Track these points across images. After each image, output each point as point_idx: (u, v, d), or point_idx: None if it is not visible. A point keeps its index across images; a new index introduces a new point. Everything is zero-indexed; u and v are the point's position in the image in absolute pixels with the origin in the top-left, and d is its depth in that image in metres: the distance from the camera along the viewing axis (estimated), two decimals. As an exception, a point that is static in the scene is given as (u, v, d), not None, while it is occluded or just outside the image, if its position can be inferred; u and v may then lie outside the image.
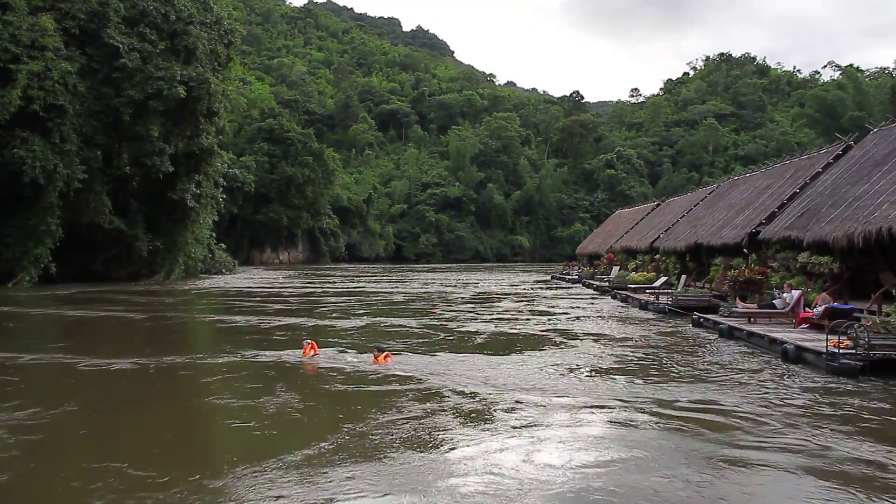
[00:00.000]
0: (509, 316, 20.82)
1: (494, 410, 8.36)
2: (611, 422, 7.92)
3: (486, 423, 7.79)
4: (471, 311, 22.27)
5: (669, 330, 16.99)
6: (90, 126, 36.80)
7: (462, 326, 17.63)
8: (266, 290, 35.48)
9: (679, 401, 8.87)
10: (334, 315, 21.37)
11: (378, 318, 20.16)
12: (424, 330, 16.98)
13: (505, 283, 42.61)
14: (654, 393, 9.37)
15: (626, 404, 8.65)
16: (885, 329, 11.06)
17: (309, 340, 12.68)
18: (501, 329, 17.16)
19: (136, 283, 39.44)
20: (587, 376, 10.57)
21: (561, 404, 8.67)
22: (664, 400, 8.92)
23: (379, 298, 29.15)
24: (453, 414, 8.21)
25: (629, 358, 12.53)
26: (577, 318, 20.39)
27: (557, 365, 11.50)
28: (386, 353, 11.84)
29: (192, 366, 12.31)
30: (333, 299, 28.38)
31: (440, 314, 21.14)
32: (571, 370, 11.05)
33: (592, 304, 26.10)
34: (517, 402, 8.80)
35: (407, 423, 7.78)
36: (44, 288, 33.72)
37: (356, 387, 10.05)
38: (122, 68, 37.08)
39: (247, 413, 8.55)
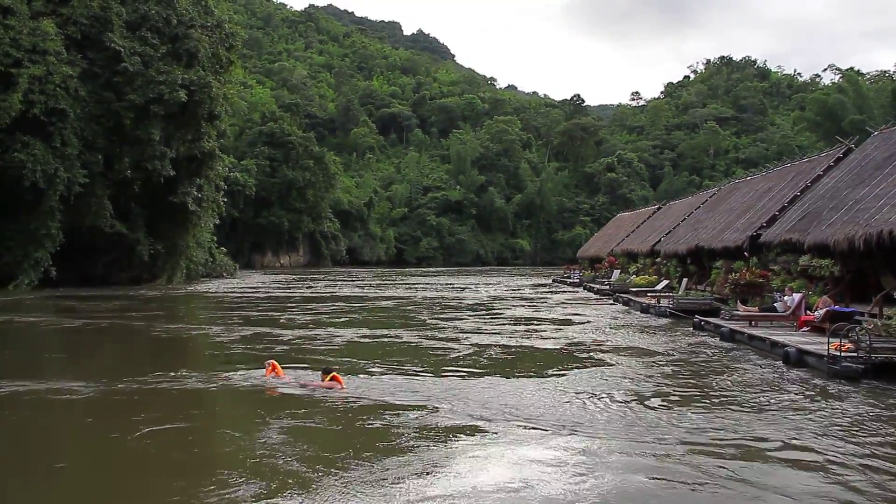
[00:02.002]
0: (517, 326, 19.61)
1: (529, 460, 6.63)
2: (696, 468, 6.36)
3: (517, 476, 6.14)
4: (476, 320, 20.99)
5: (694, 341, 15.75)
6: (91, 130, 36.86)
7: (469, 339, 16.16)
8: (261, 294, 35.35)
9: (765, 440, 7.36)
10: (325, 325, 19.79)
11: (374, 330, 18.50)
12: (427, 343, 15.57)
13: (507, 288, 42.55)
14: (711, 429, 7.76)
15: (687, 446, 7.03)
16: (887, 332, 11.04)
17: (270, 361, 10.96)
18: (511, 342, 15.73)
19: (136, 287, 39.42)
20: (623, 405, 8.99)
21: (610, 447, 7.04)
22: (732, 441, 7.27)
23: (377, 305, 28.28)
24: (471, 466, 6.51)
25: (655, 378, 11.17)
26: (587, 326, 19.38)
27: (584, 389, 9.97)
28: (333, 373, 10.12)
29: (129, 391, 10.05)
30: (329, 306, 27.45)
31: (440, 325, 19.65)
32: (601, 397, 9.45)
33: (597, 309, 25.75)
34: (554, 444, 7.17)
35: (415, 477, 6.12)
36: (43, 292, 33.77)
37: (346, 419, 8.43)
38: (124, 72, 37.16)
39: (187, 463, 6.88)
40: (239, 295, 35.06)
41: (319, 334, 17.42)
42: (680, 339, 16.34)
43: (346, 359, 13.21)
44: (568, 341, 16.06)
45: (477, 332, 17.68)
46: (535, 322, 20.71)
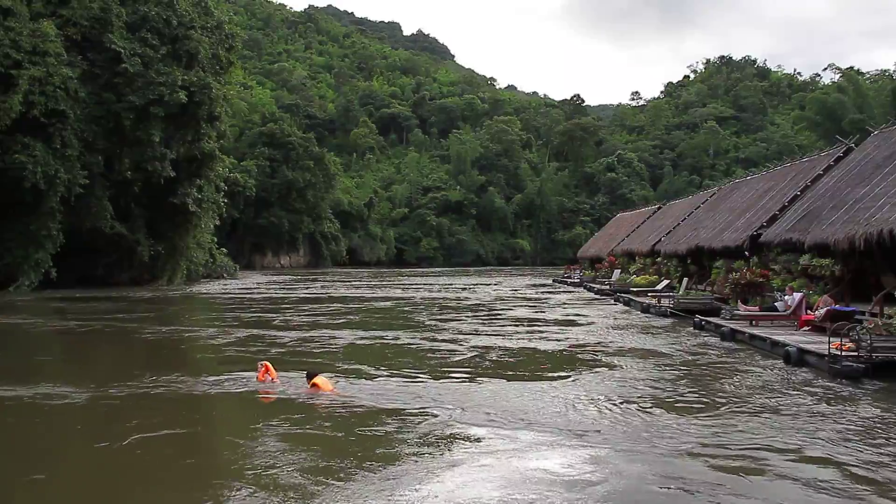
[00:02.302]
0: (518, 327, 19.17)
1: (536, 469, 6.32)
2: (712, 478, 6.06)
3: (525, 486, 5.86)
4: (477, 322, 20.55)
5: (698, 342, 15.52)
6: (91, 131, 36.87)
7: (470, 340, 15.74)
8: (259, 296, 35.18)
9: (779, 448, 6.98)
10: (322, 326, 19.30)
11: (373, 332, 17.93)
12: (428, 345, 15.07)
13: (507, 288, 42.53)
14: (722, 435, 7.48)
15: (700, 455, 6.70)
16: (887, 331, 11.03)
17: (263, 362, 10.61)
18: (514, 344, 15.25)
19: (136, 289, 39.40)
20: (631, 410, 8.66)
21: (620, 455, 6.70)
22: (746, 449, 6.93)
23: (376, 306, 27.88)
24: (476, 475, 6.17)
25: (662, 381, 10.73)
26: (589, 328, 19.00)
27: (590, 394, 9.66)
28: (314, 379, 9.74)
29: (118, 397, 9.69)
30: (327, 307, 26.99)
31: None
32: (608, 402, 9.13)
33: (598, 309, 25.53)
34: (562, 452, 6.86)
35: (417, 488, 5.82)
36: (43, 293, 33.76)
37: (346, 425, 8.05)
38: (124, 73, 37.18)
39: (180, 474, 6.60)
40: (237, 296, 34.98)
41: (316, 336, 17.00)
42: (683, 339, 16.17)
43: (345, 362, 12.80)
44: (571, 343, 15.70)
45: (478, 334, 17.26)
46: (538, 323, 20.45)
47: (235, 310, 26.51)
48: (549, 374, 11.58)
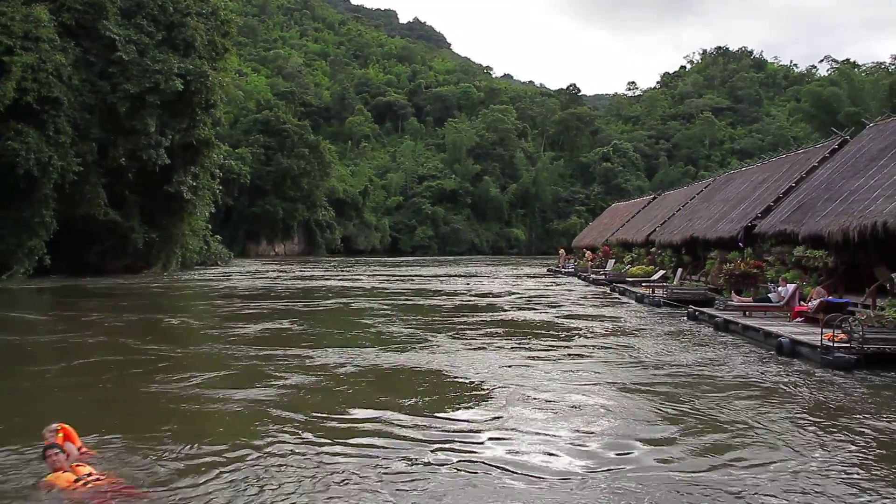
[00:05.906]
0: (523, 330, 16.32)
1: None
2: None
3: None
4: (480, 326, 17.10)
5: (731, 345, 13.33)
6: (85, 119, 36.61)
7: (477, 359, 12.05)
8: (234, 285, 34.06)
9: None
10: (282, 339, 14.88)
11: (345, 348, 13.42)
12: (419, 370, 11.17)
13: (504, 278, 42.45)
14: None
15: None
16: (880, 323, 11.13)
17: (58, 425, 6.18)
18: (524, 360, 11.91)
19: (130, 276, 39.24)
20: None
21: None
22: None
23: (362, 304, 23.66)
24: None
25: (722, 415, 8.06)
26: (600, 331, 16.11)
27: (649, 444, 6.83)
28: (74, 465, 5.63)
29: None
30: (303, 304, 23.62)
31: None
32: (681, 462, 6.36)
33: (602, 303, 23.85)
34: None
35: None
36: (36, 281, 33.66)
37: None
38: (119, 61, 36.84)
39: None
40: (209, 286, 33.54)
41: (263, 355, 12.43)
42: (734, 348, 13.39)
43: (282, 406, 8.51)
44: (599, 362, 12.04)
45: (485, 347, 13.56)
46: (548, 327, 17.06)
47: (185, 306, 23.36)
48: (591, 416, 8.17)
